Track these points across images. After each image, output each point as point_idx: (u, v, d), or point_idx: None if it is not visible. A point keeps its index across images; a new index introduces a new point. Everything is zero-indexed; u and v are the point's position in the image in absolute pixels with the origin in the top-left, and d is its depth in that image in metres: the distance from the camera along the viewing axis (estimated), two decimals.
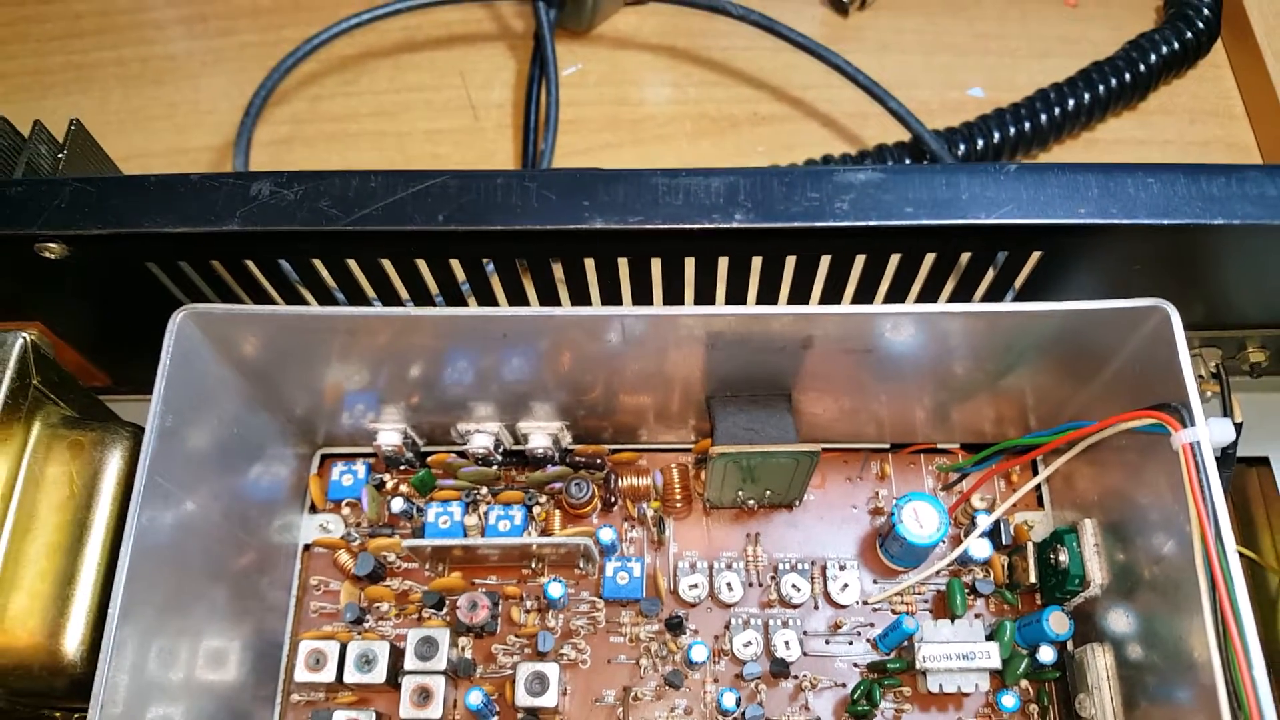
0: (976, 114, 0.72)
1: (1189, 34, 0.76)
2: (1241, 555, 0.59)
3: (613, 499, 0.55)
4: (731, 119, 0.77)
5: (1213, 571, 0.38)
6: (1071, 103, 0.73)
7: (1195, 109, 0.78)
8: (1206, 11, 0.77)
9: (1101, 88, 0.74)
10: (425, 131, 0.76)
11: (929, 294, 0.48)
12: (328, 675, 0.50)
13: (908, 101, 0.69)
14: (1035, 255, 0.44)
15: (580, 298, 0.49)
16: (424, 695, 0.49)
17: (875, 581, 0.53)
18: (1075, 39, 0.80)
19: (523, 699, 0.49)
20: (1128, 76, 0.74)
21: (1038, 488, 0.55)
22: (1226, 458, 0.53)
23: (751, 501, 0.54)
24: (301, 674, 0.50)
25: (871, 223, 0.39)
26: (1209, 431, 0.39)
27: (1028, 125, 0.71)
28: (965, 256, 0.45)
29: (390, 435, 0.53)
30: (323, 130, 0.76)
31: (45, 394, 0.45)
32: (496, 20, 0.80)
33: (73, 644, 0.42)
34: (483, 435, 0.53)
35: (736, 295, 0.50)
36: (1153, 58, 0.75)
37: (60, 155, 0.45)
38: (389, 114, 0.77)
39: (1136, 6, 0.82)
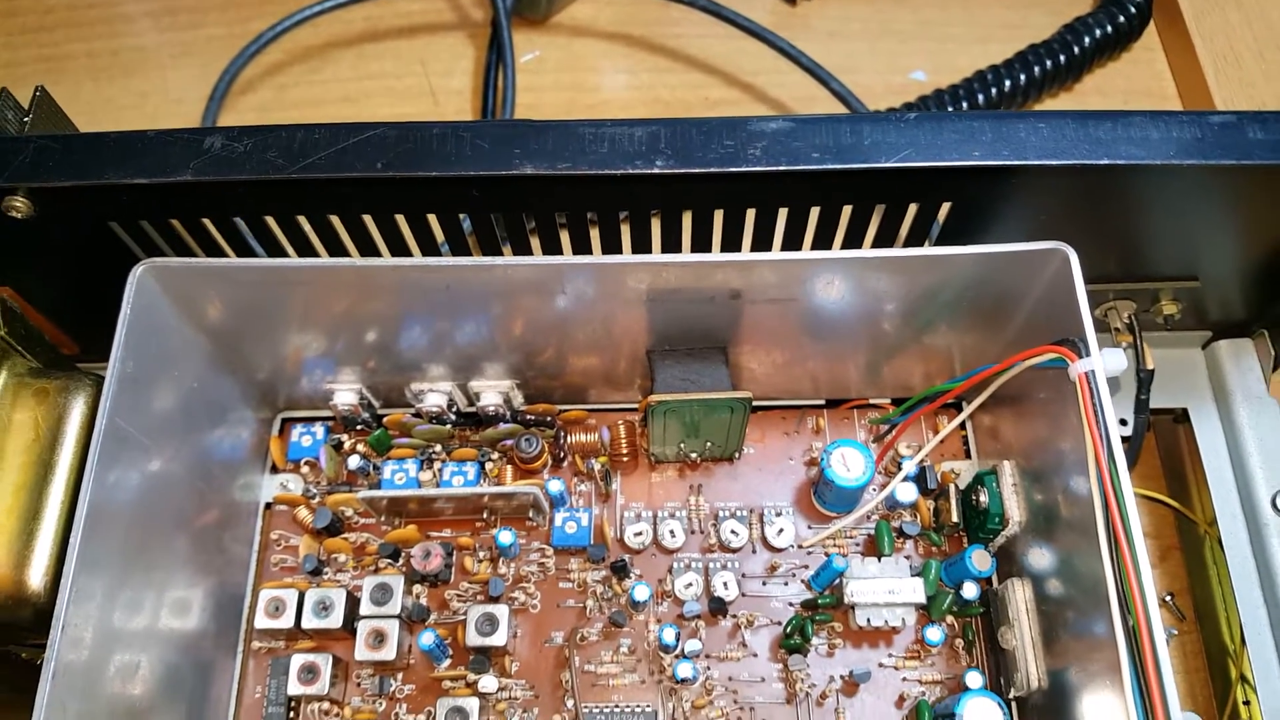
0: (917, 96, 0.76)
1: (1122, 18, 0.79)
2: (1174, 510, 0.62)
3: (562, 455, 0.58)
4: (685, 104, 0.80)
5: (1105, 488, 0.41)
6: (1008, 83, 0.76)
7: (1129, 90, 0.81)
8: None
9: (1037, 69, 0.77)
10: (388, 117, 0.77)
11: (851, 247, 0.51)
12: (286, 622, 0.52)
13: (852, 85, 0.72)
14: (945, 206, 0.47)
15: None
16: (379, 638, 0.51)
17: (809, 527, 0.56)
18: (1015, 24, 0.83)
19: (473, 639, 0.51)
20: (1063, 58, 0.77)
21: (964, 439, 0.58)
22: (1141, 404, 0.56)
23: (694, 454, 0.57)
24: (262, 621, 0.52)
25: (781, 167, 0.42)
26: (1102, 361, 0.42)
27: (965, 105, 0.74)
28: (880, 209, 0.48)
29: (346, 395, 0.56)
30: (289, 116, 0.78)
31: (13, 345, 0.48)
32: (456, 9, 0.83)
33: (37, 576, 0.45)
34: (436, 395, 0.56)
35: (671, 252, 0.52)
36: (1087, 40, 0.78)
37: (26, 119, 0.48)
38: (353, 100, 0.79)
39: None
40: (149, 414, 0.46)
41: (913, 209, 0.48)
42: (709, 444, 0.56)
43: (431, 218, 0.49)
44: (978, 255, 0.45)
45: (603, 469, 0.57)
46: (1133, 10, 0.80)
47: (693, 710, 0.52)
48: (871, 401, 0.59)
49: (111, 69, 0.82)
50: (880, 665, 0.53)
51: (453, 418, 0.57)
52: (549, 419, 0.57)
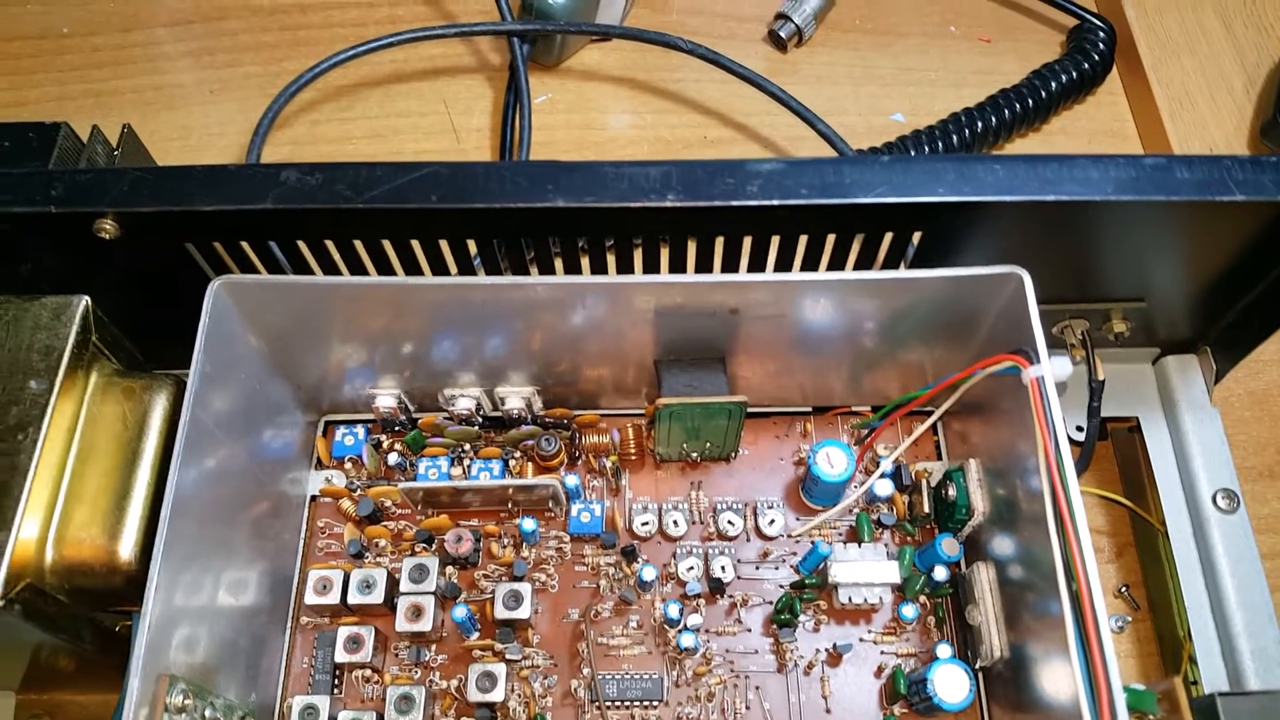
0: (896, 136, 0.83)
1: (1086, 65, 0.86)
2: (1130, 510, 0.69)
3: (577, 454, 0.64)
4: (684, 142, 0.87)
5: (1053, 479, 0.48)
6: (980, 125, 0.83)
7: (1093, 130, 0.88)
8: (1102, 45, 0.87)
9: (1008, 111, 0.83)
10: (413, 152, 0.85)
11: (835, 270, 0.58)
12: (333, 599, 0.58)
13: (837, 126, 0.78)
14: (917, 235, 0.54)
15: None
16: (416, 612, 0.58)
17: (798, 518, 0.63)
18: (988, 70, 0.90)
19: (500, 613, 0.58)
20: (1031, 102, 0.84)
21: (936, 442, 0.65)
22: (1093, 410, 0.63)
23: (695, 454, 0.63)
24: (310, 598, 0.58)
25: (775, 201, 0.49)
26: (1050, 367, 0.49)
27: (940, 145, 0.81)
28: (860, 238, 0.55)
29: (386, 399, 0.62)
30: (321, 151, 0.85)
31: (101, 349, 0.54)
32: (476, 54, 0.91)
33: (127, 548, 0.51)
34: (466, 399, 0.62)
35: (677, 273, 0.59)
36: (1054, 85, 0.85)
37: (116, 154, 0.54)
38: (380, 137, 0.86)
39: (1044, 42, 0.92)
40: (220, 411, 0.52)
41: (888, 238, 0.55)
42: (708, 445, 0.63)
43: (470, 243, 0.56)
44: (945, 278, 0.52)
45: (613, 466, 0.64)
46: (1096, 58, 0.86)
47: (694, 677, 0.59)
48: (853, 408, 0.66)
49: (156, 104, 0.88)
50: (861, 639, 0.60)
51: (480, 420, 0.64)
52: (565, 422, 0.64)
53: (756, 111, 0.87)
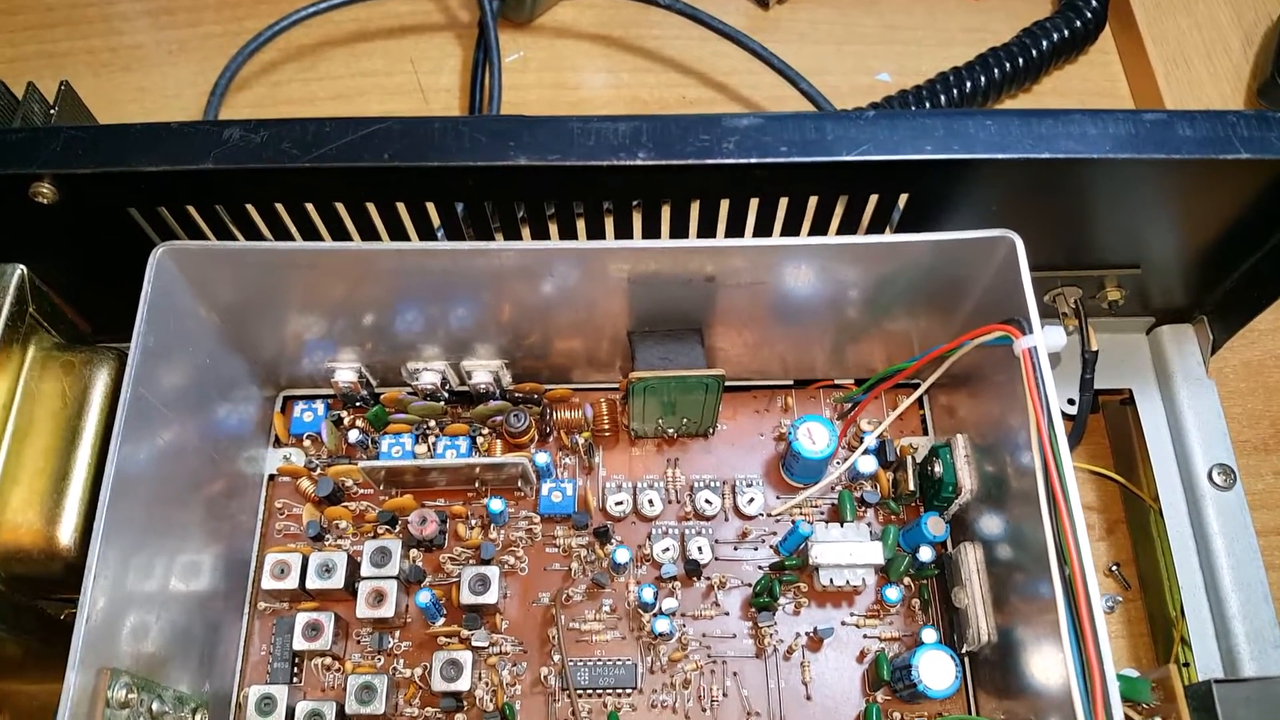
0: (882, 96, 0.80)
1: (1078, 23, 0.83)
2: (1121, 486, 0.67)
3: (548, 430, 0.62)
4: (662, 102, 0.84)
5: (1045, 453, 0.45)
6: (969, 85, 0.80)
7: (1085, 91, 0.86)
8: (1095, 3, 0.84)
9: (997, 71, 0.81)
10: (379, 113, 0.80)
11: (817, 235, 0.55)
12: (291, 583, 0.55)
13: (821, 86, 0.76)
14: (903, 197, 0.51)
15: None
16: (378, 597, 0.55)
17: (778, 497, 0.60)
18: (976, 28, 0.87)
19: (467, 597, 0.55)
20: (1021, 61, 0.81)
21: (922, 418, 0.62)
22: (1086, 383, 0.60)
23: (671, 430, 0.61)
24: (267, 582, 0.56)
25: (752, 160, 0.46)
26: (1043, 337, 0.46)
27: (927, 105, 0.78)
28: (843, 200, 0.52)
29: (346, 374, 0.59)
30: (282, 113, 0.82)
31: (39, 321, 0.51)
32: (444, 11, 0.87)
33: (67, 533, 0.48)
34: (430, 373, 0.59)
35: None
36: (1045, 44, 0.82)
37: (51, 112, 0.51)
38: (345, 98, 0.83)
39: None
40: (167, 387, 0.50)
41: (873, 201, 0.52)
42: (685, 420, 0.60)
43: (430, 206, 0.52)
44: (932, 243, 0.49)
45: (586, 443, 0.61)
46: (1089, 15, 0.84)
47: (669, 663, 0.56)
48: (836, 382, 0.63)
49: (111, 65, 0.85)
50: (843, 623, 0.57)
51: (446, 395, 0.61)
52: (536, 397, 0.61)
53: (737, 70, 0.84)
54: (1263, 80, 0.82)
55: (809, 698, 0.56)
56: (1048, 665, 0.46)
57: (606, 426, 0.61)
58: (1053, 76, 0.86)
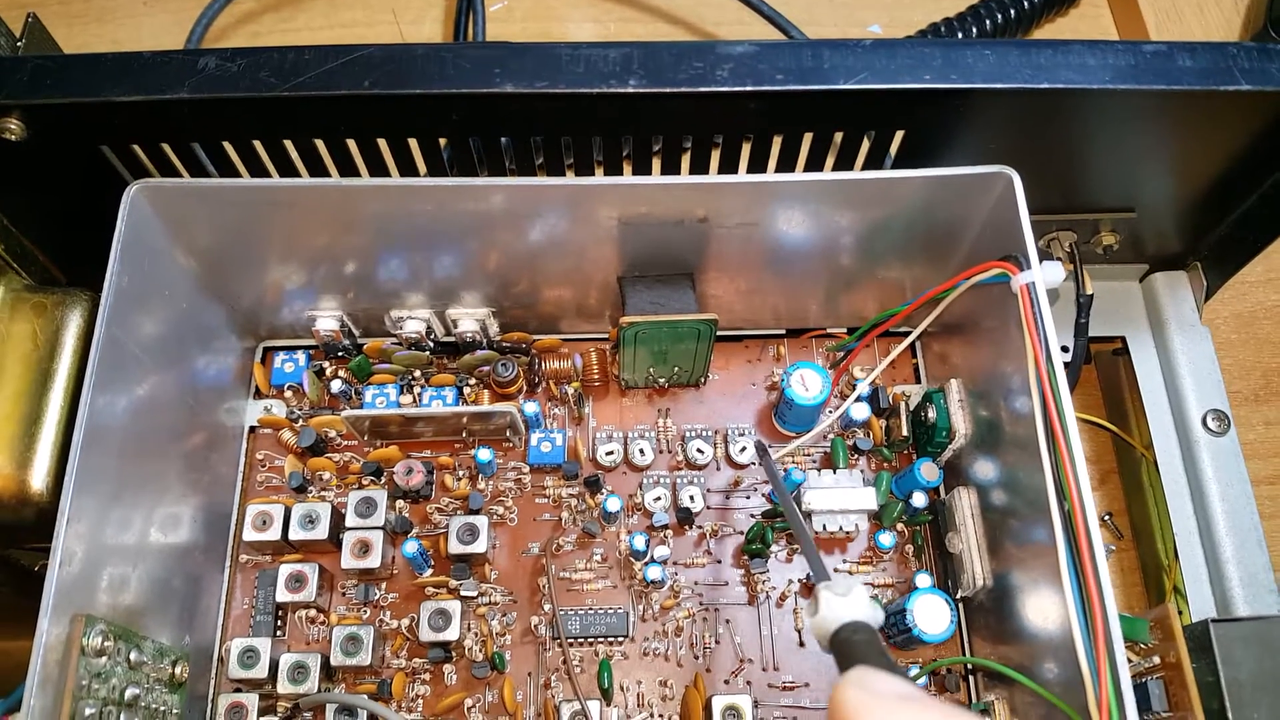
0: None
1: None
2: (1114, 435, 0.66)
3: (537, 380, 0.60)
4: None
5: (1045, 392, 0.44)
6: (960, 36, 0.79)
7: None
8: None
9: (989, 22, 0.79)
10: None
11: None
12: (273, 534, 0.54)
13: (812, 36, 0.74)
14: (899, 135, 0.50)
15: None
16: (364, 548, 0.54)
17: (770, 445, 0.59)
18: None
19: (455, 548, 0.54)
20: (1013, 12, 0.80)
21: (915, 366, 0.61)
22: (1080, 327, 0.60)
23: (662, 380, 0.60)
24: (249, 533, 0.54)
25: (747, 88, 0.45)
26: (1041, 273, 0.46)
27: None
28: (839, 137, 0.51)
29: (328, 322, 0.58)
30: None
31: (9, 262, 0.49)
32: None
33: (39, 478, 0.47)
34: (415, 321, 0.58)
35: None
36: None
37: (19, 44, 0.49)
38: None
39: None
40: (143, 333, 0.48)
41: (868, 139, 0.51)
42: (676, 369, 0.59)
43: (413, 143, 0.51)
44: (928, 179, 0.48)
45: (576, 393, 0.60)
46: None
47: (661, 611, 0.55)
48: (829, 331, 0.62)
49: (85, 16, 0.83)
50: (836, 569, 0.56)
51: (431, 345, 0.59)
52: (524, 346, 0.60)
53: (727, 20, 0.82)
54: (1256, 32, 0.81)
55: (801, 644, 0.55)
56: (1045, 607, 0.46)
57: (596, 376, 0.60)
58: (1044, 29, 0.84)
